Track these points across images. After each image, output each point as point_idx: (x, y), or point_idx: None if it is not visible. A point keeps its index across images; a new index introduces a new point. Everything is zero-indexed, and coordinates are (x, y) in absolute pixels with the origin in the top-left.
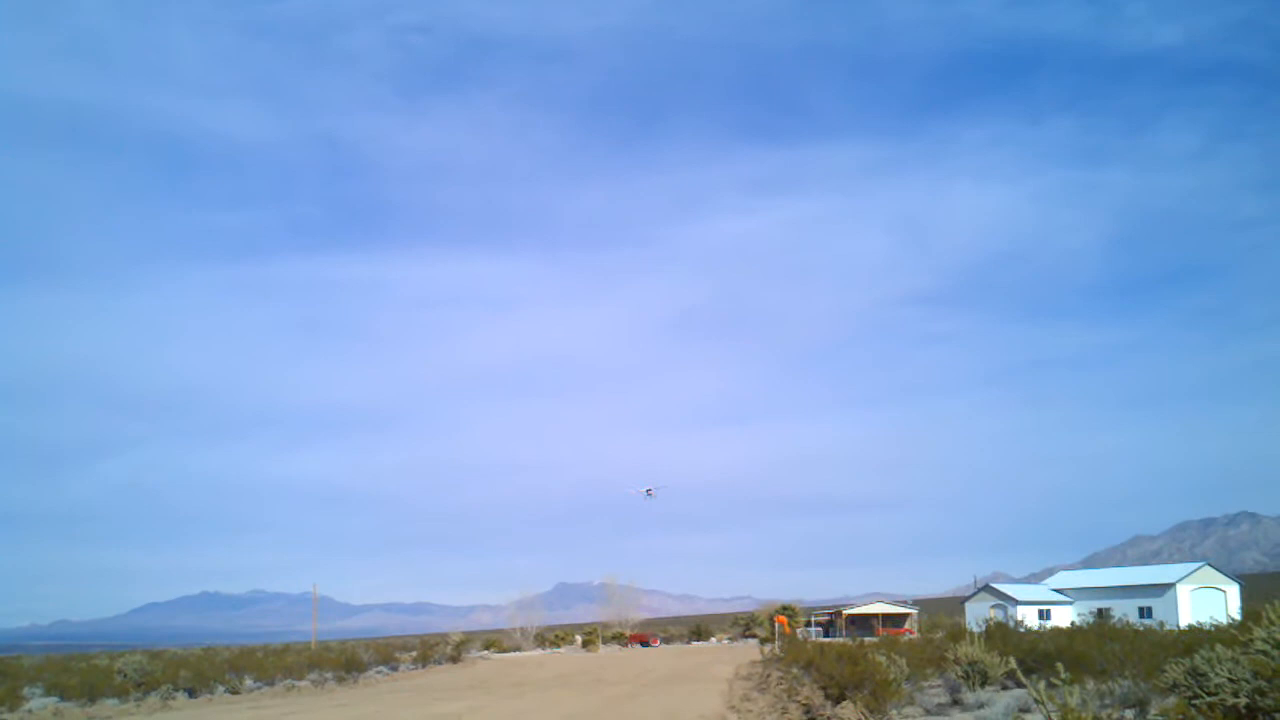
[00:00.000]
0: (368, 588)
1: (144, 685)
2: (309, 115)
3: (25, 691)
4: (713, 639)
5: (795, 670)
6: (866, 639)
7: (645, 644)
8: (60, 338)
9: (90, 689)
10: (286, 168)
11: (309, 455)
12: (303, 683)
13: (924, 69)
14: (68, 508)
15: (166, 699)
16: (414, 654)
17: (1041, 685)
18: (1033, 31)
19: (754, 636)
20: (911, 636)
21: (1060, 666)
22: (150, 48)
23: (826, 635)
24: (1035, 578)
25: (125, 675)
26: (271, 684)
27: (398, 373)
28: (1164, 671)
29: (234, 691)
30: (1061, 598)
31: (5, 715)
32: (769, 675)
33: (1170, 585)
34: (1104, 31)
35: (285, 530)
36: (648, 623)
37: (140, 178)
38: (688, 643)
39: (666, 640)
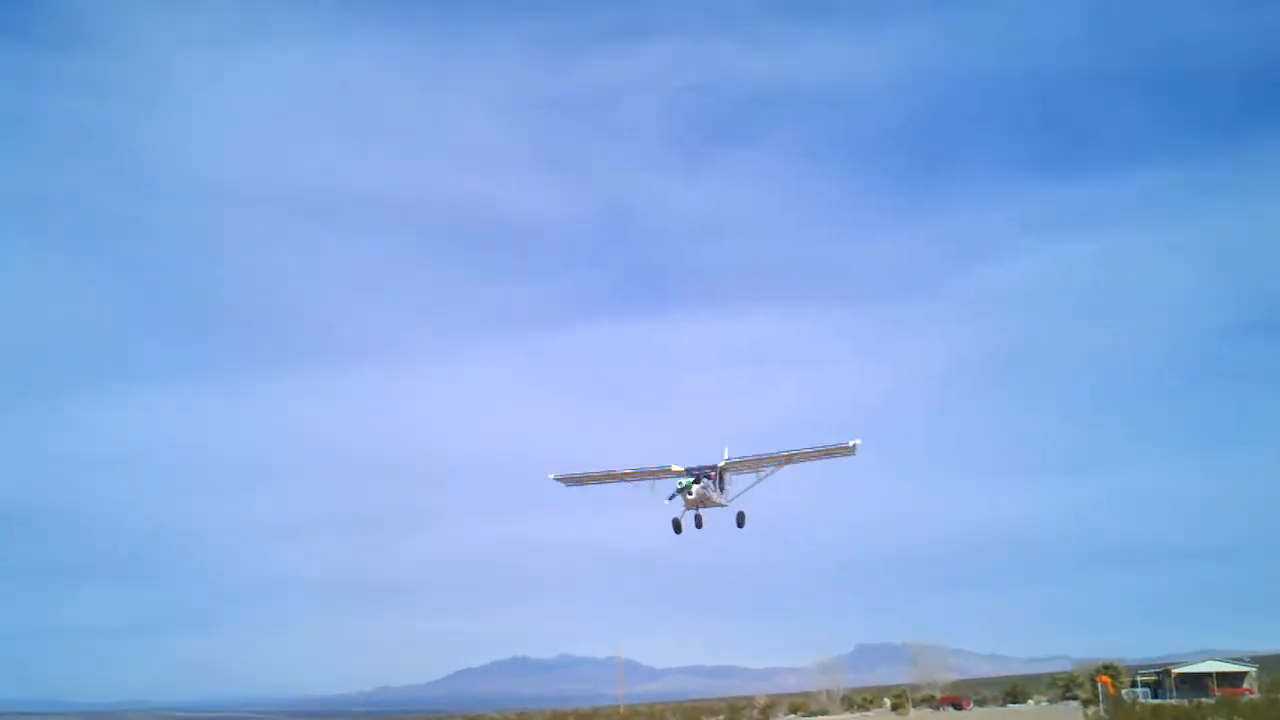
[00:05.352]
0: (671, 650)
1: None
2: (594, 183)
3: None
4: (1029, 701)
5: None
6: (1202, 700)
7: (957, 706)
8: (373, 412)
9: None
10: (574, 237)
11: (609, 519)
12: None
13: (1228, 84)
14: (385, 577)
15: None
16: (721, 718)
17: None
18: None
19: (1075, 698)
20: (1252, 697)
21: None
22: (445, 125)
23: (1155, 696)
24: None
25: None
26: None
27: (688, 432)
28: None
29: None
30: None
31: None
32: None
33: None
34: None
35: (589, 593)
36: (957, 684)
37: (445, 255)
38: (1002, 705)
39: (979, 703)
